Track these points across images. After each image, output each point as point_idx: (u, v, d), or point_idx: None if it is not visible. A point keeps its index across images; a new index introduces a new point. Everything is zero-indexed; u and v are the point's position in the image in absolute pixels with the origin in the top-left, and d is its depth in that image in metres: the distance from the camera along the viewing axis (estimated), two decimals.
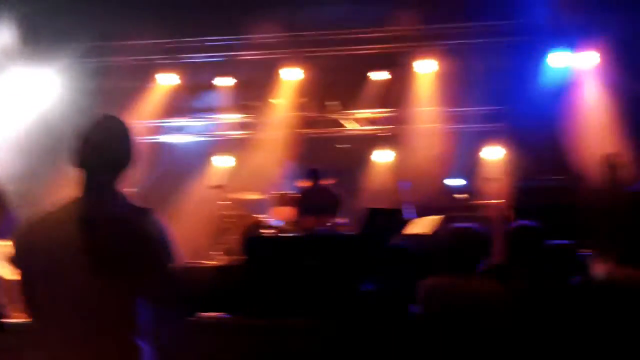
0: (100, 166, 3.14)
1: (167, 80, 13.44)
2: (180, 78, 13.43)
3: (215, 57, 13.20)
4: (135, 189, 11.65)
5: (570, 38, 12.00)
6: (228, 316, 7.56)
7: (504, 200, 10.53)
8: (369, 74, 12.96)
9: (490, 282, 4.55)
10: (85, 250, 2.91)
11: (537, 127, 11.77)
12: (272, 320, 7.28)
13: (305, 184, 10.59)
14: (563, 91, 12.13)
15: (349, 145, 11.69)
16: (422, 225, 9.40)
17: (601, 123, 11.73)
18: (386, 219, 8.42)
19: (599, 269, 3.58)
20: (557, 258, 4.95)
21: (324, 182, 10.43)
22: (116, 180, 3.18)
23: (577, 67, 12.14)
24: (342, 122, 13.62)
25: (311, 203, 10.01)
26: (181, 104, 13.80)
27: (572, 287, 5.02)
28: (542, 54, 12.12)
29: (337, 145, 11.63)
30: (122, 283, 2.98)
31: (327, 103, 13.15)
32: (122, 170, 3.23)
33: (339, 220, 10.16)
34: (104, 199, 3.08)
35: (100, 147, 3.18)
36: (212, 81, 13.46)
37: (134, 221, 3.08)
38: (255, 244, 8.73)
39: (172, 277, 3.18)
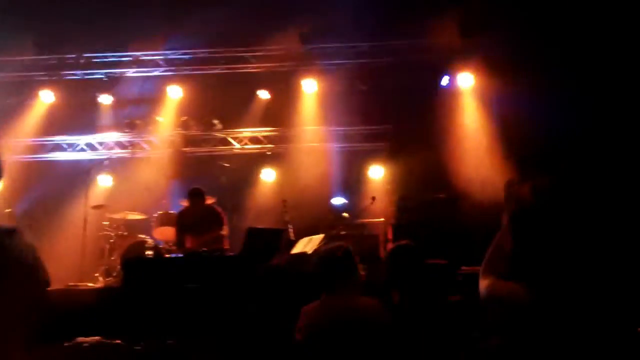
0: None
1: (48, 97, 13.07)
2: (62, 95, 13.09)
3: (97, 74, 12.96)
4: (9, 209, 11.37)
5: (451, 59, 12.32)
6: (104, 340, 7.39)
7: (383, 219, 10.68)
8: (255, 92, 12.90)
9: (371, 301, 4.58)
10: None
11: (419, 146, 12.03)
12: (150, 342, 7.15)
13: (185, 203, 10.46)
14: (444, 110, 12.41)
15: (228, 165, 11.59)
16: (303, 245, 9.43)
17: (479, 142, 12.05)
18: (266, 239, 8.40)
19: (482, 285, 3.61)
20: (435, 276, 5.03)
21: (206, 200, 10.32)
22: None
23: (457, 88, 12.45)
24: (228, 140, 13.55)
25: (190, 222, 9.87)
26: (62, 122, 13.43)
27: (451, 304, 5.14)
28: (425, 74, 12.36)
29: (223, 164, 11.53)
30: None
31: (214, 121, 13.02)
32: None
33: (222, 236, 10.05)
34: None
35: None
36: (94, 98, 13.12)
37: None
38: (134, 265, 8.59)
39: (39, 300, 3.07)
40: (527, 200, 3.51)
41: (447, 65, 12.34)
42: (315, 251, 4.72)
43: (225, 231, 9.94)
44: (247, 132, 13.51)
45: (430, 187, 11.13)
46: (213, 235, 9.72)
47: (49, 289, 3.35)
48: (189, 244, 9.76)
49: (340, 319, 4.38)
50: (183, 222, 9.99)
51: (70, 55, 12.76)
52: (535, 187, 3.52)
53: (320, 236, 9.50)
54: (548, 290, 3.26)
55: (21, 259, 2.99)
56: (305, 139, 13.29)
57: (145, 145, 13.54)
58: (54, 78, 13.03)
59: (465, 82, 12.39)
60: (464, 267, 8.39)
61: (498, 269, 3.50)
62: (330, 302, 4.47)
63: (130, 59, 12.82)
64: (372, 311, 4.48)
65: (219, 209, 10.12)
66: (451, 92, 12.50)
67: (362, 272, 4.76)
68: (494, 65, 11.80)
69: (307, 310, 4.48)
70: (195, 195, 10.08)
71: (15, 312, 2.97)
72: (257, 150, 13.53)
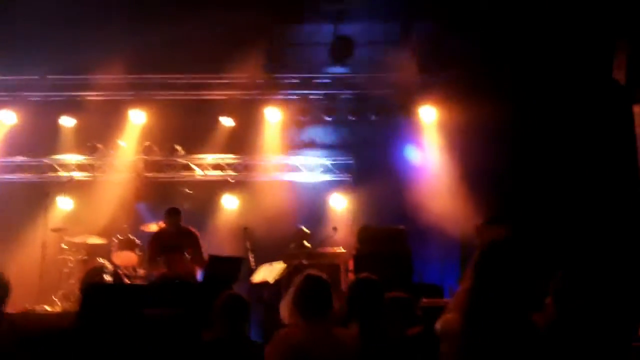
0: None
1: (9, 118, 12.95)
2: (23, 116, 12.99)
3: (60, 96, 12.90)
4: None
5: (413, 93, 12.50)
6: None
7: (345, 250, 10.73)
8: (218, 119, 12.92)
9: (349, 332, 4.63)
10: None
11: (381, 178, 12.15)
12: None
13: (162, 224, 10.31)
14: (406, 143, 12.58)
15: (190, 191, 11.57)
16: (264, 274, 9.45)
17: (442, 175, 12.21)
18: (227, 267, 8.41)
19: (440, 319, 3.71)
20: (395, 309, 5.08)
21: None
22: None
23: (419, 120, 12.61)
24: (191, 166, 13.54)
25: (168, 242, 9.66)
26: (24, 143, 13.32)
27: (409, 338, 5.18)
28: (387, 107, 12.51)
29: (185, 190, 11.51)
30: None
31: (176, 147, 13.00)
32: None
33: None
34: None
35: None
36: (56, 120, 13.01)
37: None
38: (93, 290, 8.54)
39: None
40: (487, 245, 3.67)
41: (409, 99, 12.51)
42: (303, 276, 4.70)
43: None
44: (209, 158, 13.51)
45: (392, 219, 11.23)
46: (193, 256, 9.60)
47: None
48: (167, 264, 9.55)
49: (326, 348, 4.40)
50: (161, 242, 9.77)
51: (32, 77, 12.68)
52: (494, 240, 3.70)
53: (282, 265, 9.54)
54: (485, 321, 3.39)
55: None
56: (268, 167, 13.36)
57: (106, 169, 13.45)
58: (16, 99, 12.94)
59: (428, 115, 12.56)
60: (424, 300, 8.49)
61: (458, 304, 3.61)
62: (313, 329, 4.47)
63: (93, 82, 12.77)
64: (351, 342, 4.53)
65: (195, 230, 10.01)
66: (413, 124, 12.67)
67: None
68: (455, 99, 12.02)
69: (288, 336, 4.47)
70: (174, 214, 9.95)
71: None
72: (220, 177, 13.54)
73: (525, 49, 11.18)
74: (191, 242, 9.74)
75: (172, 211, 9.95)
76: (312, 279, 4.66)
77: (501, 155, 11.39)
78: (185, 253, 9.54)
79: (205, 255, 9.36)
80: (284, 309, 4.62)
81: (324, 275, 4.74)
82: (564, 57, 10.76)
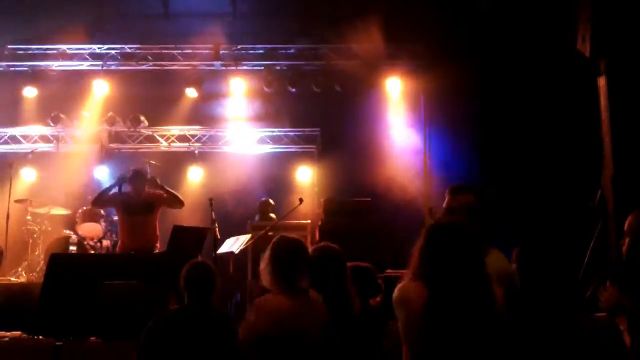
0: None
1: None
2: None
3: (22, 66, 12.77)
4: None
5: (380, 64, 12.53)
6: (25, 335, 7.34)
7: (310, 221, 10.78)
8: (183, 90, 12.86)
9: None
10: None
11: (347, 150, 12.22)
12: (71, 340, 7.13)
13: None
14: (372, 115, 12.62)
15: (155, 162, 11.49)
16: (230, 245, 9.49)
17: (406, 147, 12.30)
18: (192, 238, 8.42)
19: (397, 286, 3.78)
20: (358, 279, 5.12)
21: None
22: None
23: (386, 92, 12.67)
24: (155, 137, 13.50)
25: (133, 204, 9.47)
26: None
27: (371, 308, 5.26)
28: (353, 78, 12.53)
29: (150, 162, 11.44)
30: None
31: (140, 118, 12.93)
32: None
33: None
34: None
35: None
36: (19, 91, 12.87)
37: None
38: (59, 261, 8.50)
39: None
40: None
41: (375, 69, 12.55)
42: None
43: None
44: (174, 130, 13.48)
45: (357, 190, 11.31)
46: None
47: None
48: (130, 228, 9.40)
49: (307, 315, 4.42)
50: (126, 205, 9.56)
51: None
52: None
53: (247, 236, 9.57)
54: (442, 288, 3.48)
55: None
56: (233, 139, 13.35)
57: (69, 140, 13.37)
58: None
59: (394, 86, 12.62)
60: (389, 270, 8.59)
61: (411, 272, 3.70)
62: (294, 296, 4.48)
63: (56, 52, 12.65)
64: (324, 309, 4.58)
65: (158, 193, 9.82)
66: (378, 97, 12.73)
67: None
68: (421, 70, 12.09)
69: (272, 303, 4.47)
70: (138, 178, 9.48)
71: None
72: (185, 149, 13.52)
73: (492, 21, 11.25)
74: (156, 200, 9.53)
75: (136, 173, 9.58)
76: (288, 243, 4.69)
77: (468, 127, 11.51)
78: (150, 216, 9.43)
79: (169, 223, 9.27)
80: (265, 276, 4.63)
81: (299, 238, 4.77)
82: (529, 29, 10.83)
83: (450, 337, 3.40)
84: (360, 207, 10.34)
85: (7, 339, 7.27)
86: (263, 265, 4.65)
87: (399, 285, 3.68)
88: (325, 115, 12.74)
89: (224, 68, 12.78)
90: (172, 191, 9.59)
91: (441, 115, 12.01)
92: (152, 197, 9.41)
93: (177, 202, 9.59)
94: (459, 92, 11.28)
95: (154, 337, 4.89)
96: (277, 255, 4.60)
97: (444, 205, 4.96)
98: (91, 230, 10.89)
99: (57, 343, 7.04)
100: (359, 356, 4.73)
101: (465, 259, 3.54)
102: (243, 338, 4.46)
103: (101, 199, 9.52)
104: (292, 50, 12.64)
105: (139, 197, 9.30)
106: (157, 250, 9.32)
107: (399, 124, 12.66)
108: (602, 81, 9.17)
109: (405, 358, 3.62)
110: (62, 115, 12.79)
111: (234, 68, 12.74)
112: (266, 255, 4.64)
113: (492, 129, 11.48)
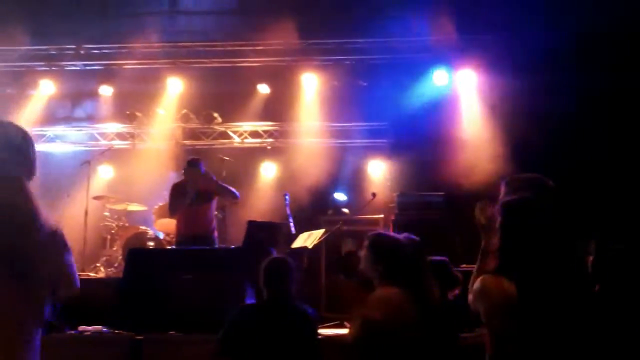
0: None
1: (48, 88, 13.12)
2: (61, 86, 13.16)
3: (97, 65, 13.02)
4: None
5: (450, 57, 12.39)
6: (106, 330, 7.47)
7: (383, 216, 10.72)
8: (255, 86, 12.94)
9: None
10: None
11: (419, 143, 12.09)
12: (151, 333, 7.23)
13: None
14: (444, 108, 12.48)
15: (228, 159, 11.57)
16: (304, 239, 9.50)
17: (479, 140, 12.11)
18: (267, 232, 8.46)
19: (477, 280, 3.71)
20: (437, 272, 5.07)
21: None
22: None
23: (457, 85, 12.52)
24: (228, 133, 13.60)
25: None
26: (63, 112, 13.49)
27: (450, 302, 5.21)
28: (424, 71, 12.43)
29: (223, 157, 11.54)
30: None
31: (214, 114, 13.06)
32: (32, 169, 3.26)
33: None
34: None
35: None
36: (94, 89, 13.14)
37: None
38: (137, 255, 8.65)
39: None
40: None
41: (446, 62, 12.41)
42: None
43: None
44: (247, 126, 13.57)
45: (430, 185, 11.20)
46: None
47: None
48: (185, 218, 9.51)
49: (413, 308, 4.40)
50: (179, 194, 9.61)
51: (69, 46, 12.81)
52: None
53: (321, 231, 9.57)
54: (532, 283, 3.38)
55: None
56: (306, 134, 13.37)
57: (145, 137, 13.59)
58: (53, 68, 13.09)
59: (465, 79, 12.46)
60: (463, 265, 8.48)
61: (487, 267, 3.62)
62: (402, 291, 4.48)
63: (130, 51, 12.85)
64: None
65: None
66: (451, 89, 12.58)
67: None
68: (494, 63, 11.88)
69: (388, 297, 4.45)
70: (191, 165, 9.62)
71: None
72: (257, 145, 13.60)
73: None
74: (211, 190, 9.60)
75: (190, 162, 9.73)
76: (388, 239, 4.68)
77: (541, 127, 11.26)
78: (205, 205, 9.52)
79: (245, 222, 9.35)
80: (372, 273, 4.61)
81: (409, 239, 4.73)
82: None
83: (544, 329, 3.32)
84: (434, 201, 10.27)
85: (88, 332, 7.41)
86: (365, 263, 4.62)
87: (481, 278, 3.61)
88: (396, 108, 12.62)
89: (295, 63, 12.79)
90: (224, 186, 9.65)
91: (514, 106, 11.77)
92: (207, 187, 9.48)
93: (230, 196, 9.66)
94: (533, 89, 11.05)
95: (235, 330, 4.93)
96: (378, 251, 4.57)
97: (500, 197, 4.87)
98: (168, 225, 11.03)
99: (137, 337, 7.15)
100: (440, 349, 4.68)
101: (548, 239, 3.44)
102: (356, 333, 4.43)
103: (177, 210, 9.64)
104: (362, 44, 12.57)
105: (194, 186, 9.38)
106: (213, 239, 9.45)
107: (471, 115, 12.47)
108: None
109: (490, 345, 3.55)
110: (137, 113, 13.00)
111: (305, 63, 12.74)
112: (365, 252, 4.62)
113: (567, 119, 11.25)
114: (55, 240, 3.26)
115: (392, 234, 4.77)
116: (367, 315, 4.38)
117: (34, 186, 3.48)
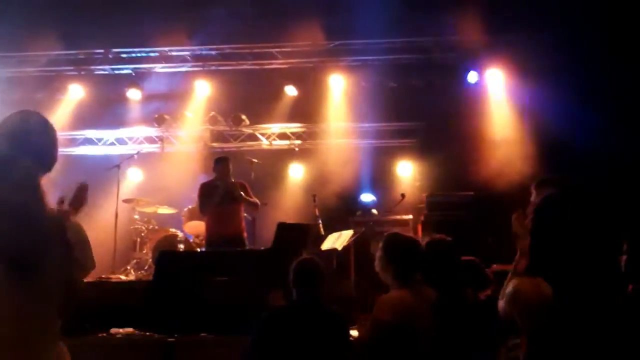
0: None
1: (77, 92, 13.22)
2: (91, 90, 13.25)
3: (126, 69, 13.10)
4: None
5: (480, 56, 12.30)
6: (138, 332, 7.50)
7: (412, 217, 10.68)
8: (282, 88, 12.94)
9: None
10: None
11: (448, 143, 12.02)
12: (182, 336, 7.25)
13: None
14: (473, 108, 12.39)
15: (257, 161, 11.56)
16: (333, 241, 9.48)
17: (509, 139, 12.01)
18: (296, 234, 8.45)
19: (510, 283, 3.70)
20: (468, 273, 5.06)
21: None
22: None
23: (487, 85, 12.44)
24: (256, 135, 13.63)
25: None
26: (92, 116, 13.57)
27: (481, 302, 5.17)
28: (453, 71, 12.37)
29: (252, 160, 11.55)
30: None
31: (241, 117, 13.09)
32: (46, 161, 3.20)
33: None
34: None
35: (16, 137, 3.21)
36: (123, 93, 13.21)
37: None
38: (168, 258, 8.68)
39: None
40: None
41: (475, 62, 12.34)
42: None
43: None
44: (275, 127, 13.59)
45: (459, 185, 11.13)
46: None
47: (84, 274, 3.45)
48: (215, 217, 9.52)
49: (424, 310, 4.41)
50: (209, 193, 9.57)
51: (98, 50, 12.89)
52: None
53: (350, 232, 9.55)
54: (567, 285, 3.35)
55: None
56: (334, 135, 13.34)
57: (174, 140, 13.65)
58: (82, 73, 13.17)
59: (494, 79, 12.38)
60: (495, 266, 8.42)
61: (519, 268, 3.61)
62: (412, 293, 4.48)
63: (158, 54, 12.93)
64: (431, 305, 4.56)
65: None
66: (480, 89, 12.50)
67: None
68: (523, 63, 11.77)
69: (397, 299, 4.47)
70: (220, 162, 9.66)
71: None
72: (285, 146, 13.61)
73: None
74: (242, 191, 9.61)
75: (217, 159, 9.79)
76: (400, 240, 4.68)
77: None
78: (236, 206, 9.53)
79: (274, 224, 9.35)
80: (384, 274, 4.65)
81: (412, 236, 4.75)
82: None
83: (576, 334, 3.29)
84: (463, 202, 10.22)
85: (120, 335, 7.44)
86: (379, 263, 4.65)
87: (513, 281, 3.59)
88: (425, 109, 12.55)
89: (322, 65, 12.77)
90: (248, 199, 9.61)
91: (544, 106, 11.66)
92: (237, 188, 9.47)
93: (251, 207, 9.72)
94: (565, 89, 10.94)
95: (266, 333, 4.93)
96: (391, 252, 4.58)
97: (532, 199, 4.86)
98: (197, 228, 11.05)
99: (169, 339, 7.17)
100: (470, 348, 4.66)
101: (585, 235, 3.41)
102: (367, 334, 4.45)
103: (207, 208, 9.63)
104: (390, 44, 12.52)
105: (225, 186, 9.37)
106: (244, 240, 9.46)
107: (501, 115, 12.38)
108: None
109: (524, 345, 3.53)
110: (166, 117, 13.07)
111: (332, 64, 12.72)
112: (379, 253, 4.64)
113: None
114: (59, 233, 3.19)
115: (407, 235, 4.77)
116: (377, 317, 4.40)
117: (65, 190, 3.47)
